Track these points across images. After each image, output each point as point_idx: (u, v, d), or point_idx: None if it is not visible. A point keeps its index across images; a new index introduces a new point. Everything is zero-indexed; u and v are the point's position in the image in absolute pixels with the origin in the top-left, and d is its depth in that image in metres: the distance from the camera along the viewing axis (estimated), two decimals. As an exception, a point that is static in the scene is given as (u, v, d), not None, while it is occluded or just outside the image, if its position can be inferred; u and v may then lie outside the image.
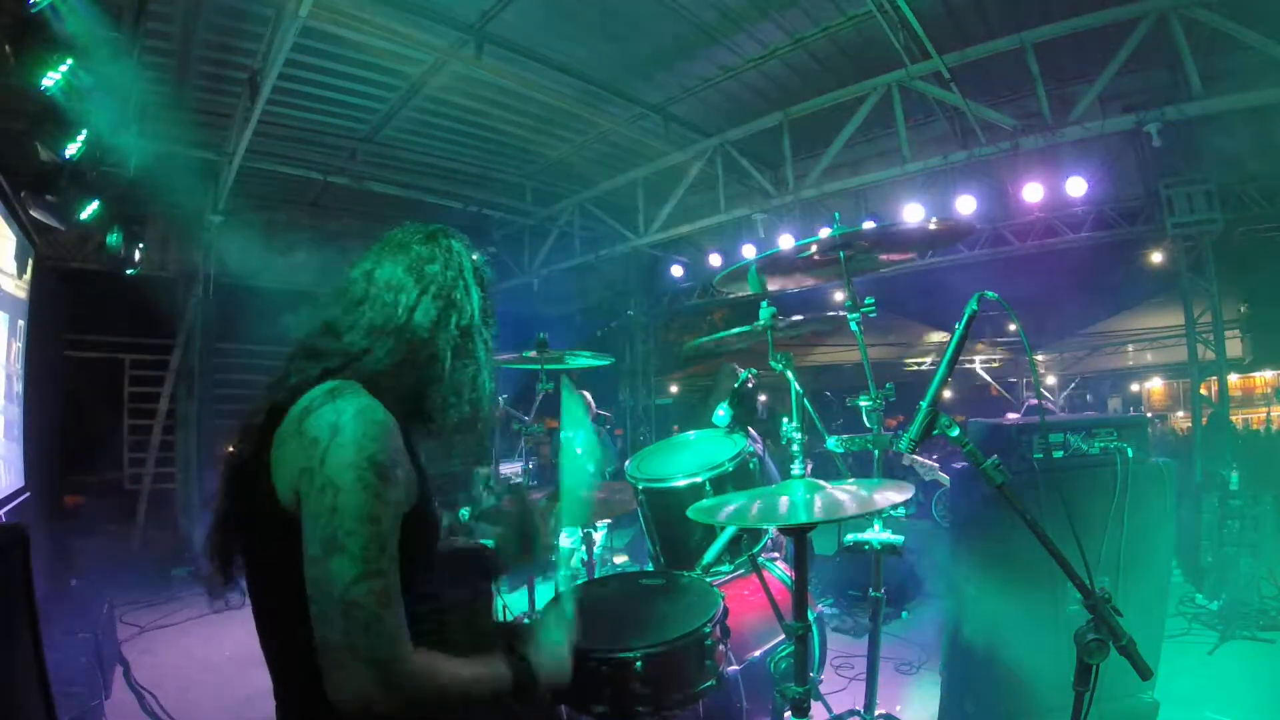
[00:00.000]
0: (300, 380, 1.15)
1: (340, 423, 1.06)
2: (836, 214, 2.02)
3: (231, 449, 1.21)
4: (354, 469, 1.03)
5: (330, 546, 1.00)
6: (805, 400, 1.99)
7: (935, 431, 1.45)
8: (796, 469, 1.82)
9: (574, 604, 1.46)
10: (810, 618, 1.86)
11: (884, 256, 2.21)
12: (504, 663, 1.21)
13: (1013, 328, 1.50)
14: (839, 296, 2.09)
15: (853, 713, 2.36)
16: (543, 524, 1.67)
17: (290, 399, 1.12)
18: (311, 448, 1.04)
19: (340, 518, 1.01)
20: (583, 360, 3.60)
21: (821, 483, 1.68)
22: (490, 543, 1.66)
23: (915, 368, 11.82)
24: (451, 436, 1.30)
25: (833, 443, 2.14)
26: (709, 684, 1.66)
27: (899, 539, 1.96)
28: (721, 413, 2.32)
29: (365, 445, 1.05)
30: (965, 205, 6.41)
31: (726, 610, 1.81)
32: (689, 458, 2.42)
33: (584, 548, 2.93)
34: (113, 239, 5.74)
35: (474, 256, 1.35)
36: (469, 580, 1.59)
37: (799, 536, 1.62)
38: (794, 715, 1.62)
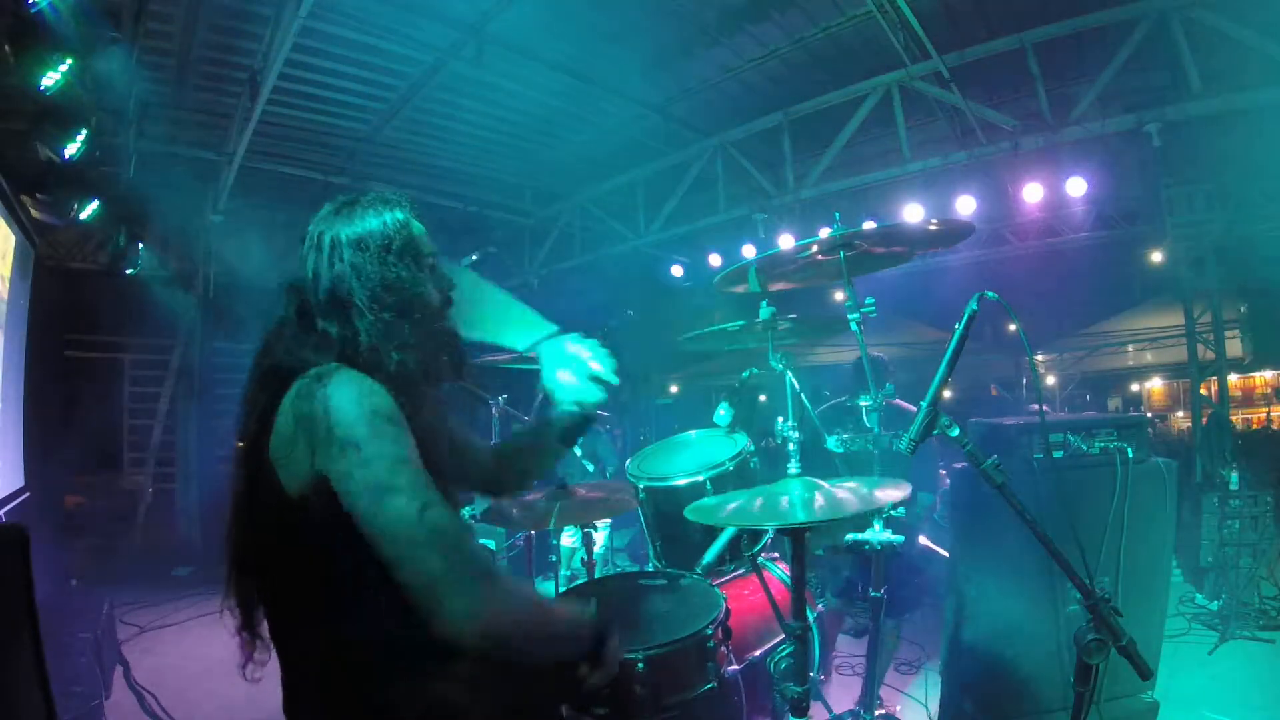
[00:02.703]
0: (278, 380, 1.12)
1: (329, 391, 1.05)
2: (837, 214, 2.02)
3: (232, 469, 1.19)
4: (363, 422, 1.03)
5: (380, 491, 0.99)
6: (804, 400, 1.99)
7: (935, 431, 1.45)
8: (793, 468, 1.82)
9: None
10: (810, 617, 1.86)
11: (885, 254, 2.19)
12: (585, 622, 1.23)
13: (1013, 328, 1.50)
14: (839, 296, 2.09)
15: (853, 713, 2.36)
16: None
17: (274, 402, 1.10)
18: (312, 425, 1.03)
19: (375, 465, 1.01)
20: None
21: (820, 481, 1.68)
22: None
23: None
24: (419, 386, 1.23)
25: (832, 442, 2.14)
26: (710, 685, 1.66)
27: (899, 539, 1.96)
28: (722, 412, 2.31)
29: (363, 400, 1.05)
30: (965, 205, 6.40)
31: (728, 611, 1.81)
32: (690, 457, 2.42)
33: (584, 548, 2.92)
34: (113, 239, 5.75)
35: (378, 221, 1.25)
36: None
37: (796, 536, 1.62)
38: (794, 715, 1.62)
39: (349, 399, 1.04)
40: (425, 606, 0.97)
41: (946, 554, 2.90)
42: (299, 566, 1.09)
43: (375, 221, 1.25)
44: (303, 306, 1.20)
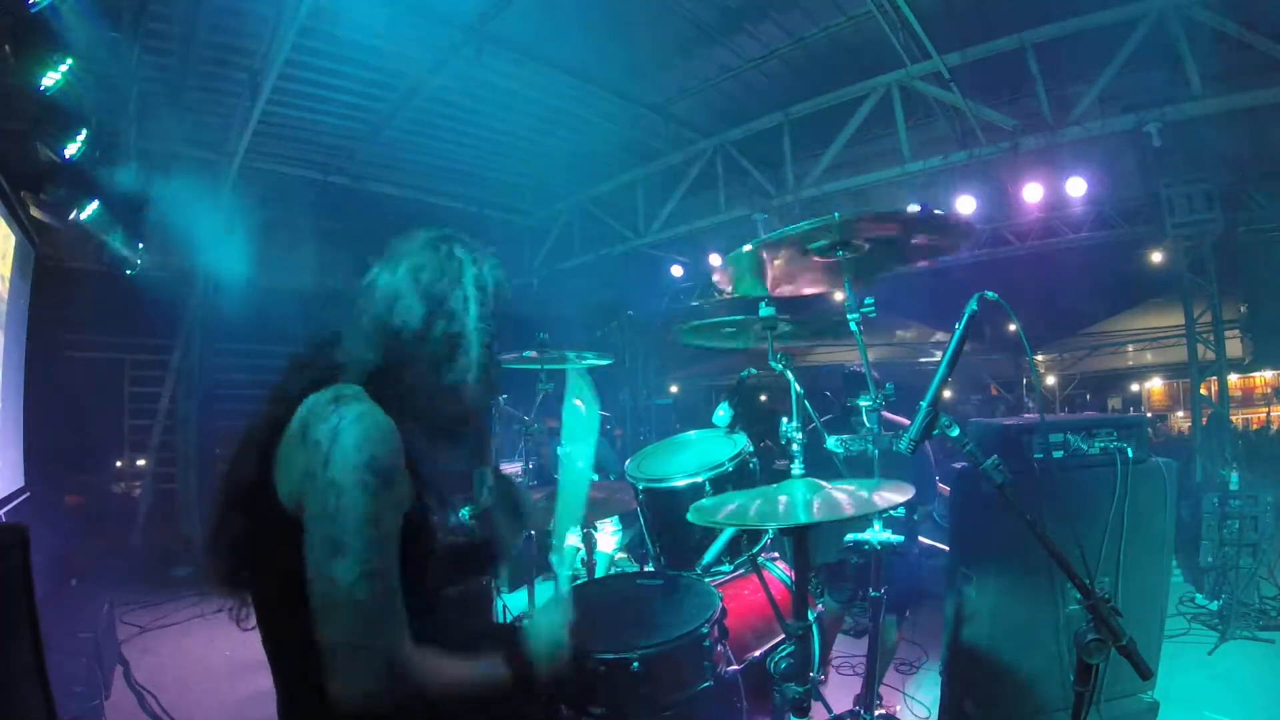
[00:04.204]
0: (301, 388, 1.16)
1: (341, 426, 1.07)
2: (836, 214, 2.01)
3: (231, 459, 1.21)
4: (355, 471, 1.04)
5: (332, 548, 1.02)
6: (805, 400, 1.99)
7: (935, 431, 1.45)
8: (796, 469, 1.82)
9: (570, 595, 1.44)
10: (810, 617, 1.86)
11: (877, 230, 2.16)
12: (502, 661, 1.22)
13: (1013, 328, 1.49)
14: (839, 297, 2.09)
15: (853, 713, 2.36)
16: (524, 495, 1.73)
17: (292, 407, 1.13)
18: (314, 451, 1.06)
19: (342, 520, 1.03)
20: (583, 360, 3.60)
21: (821, 483, 1.68)
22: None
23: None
24: (448, 438, 1.30)
25: (833, 443, 2.13)
26: (706, 685, 1.66)
27: (899, 539, 1.96)
28: (722, 412, 2.32)
29: (365, 447, 1.06)
30: (965, 205, 6.40)
31: (725, 611, 1.81)
32: (689, 458, 2.42)
33: (584, 548, 2.92)
34: (113, 239, 5.74)
35: (480, 261, 1.32)
36: (465, 579, 1.60)
37: (798, 536, 1.63)
38: (794, 715, 1.63)
39: (353, 441, 1.06)
40: (325, 664, 1.00)
41: (946, 549, 2.90)
42: (291, 574, 1.08)
43: (490, 273, 1.32)
44: (381, 333, 1.22)
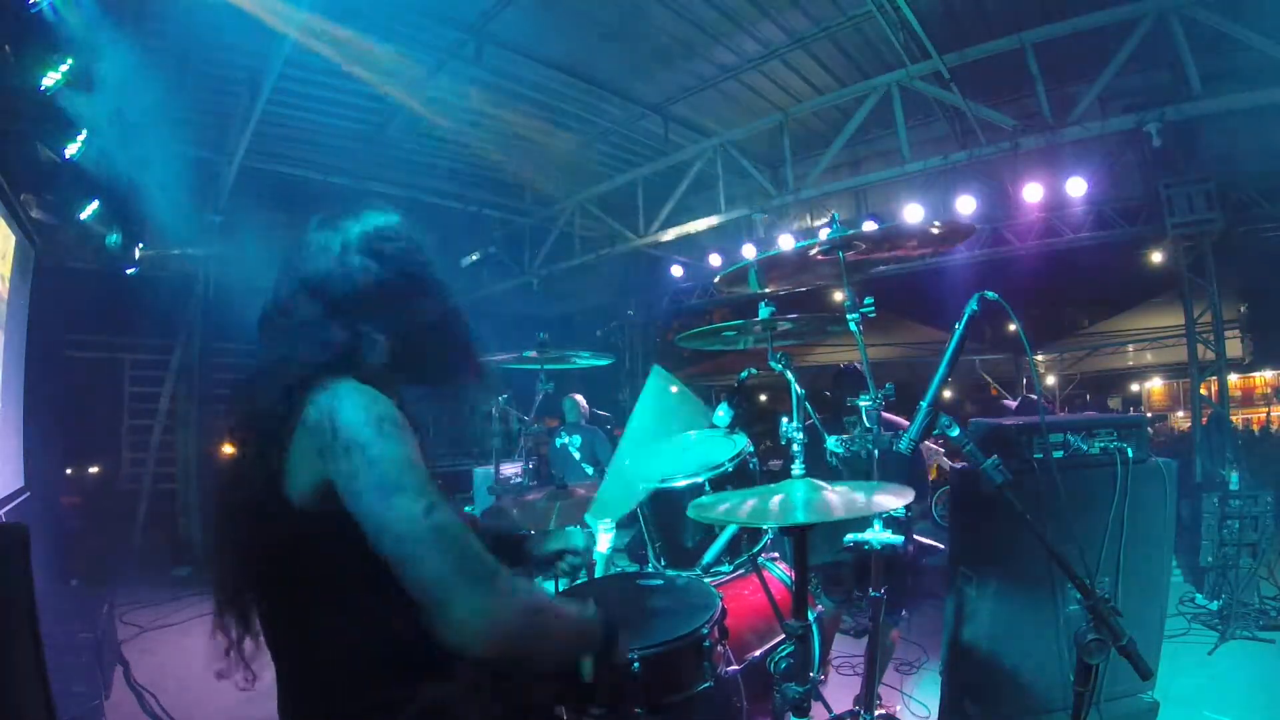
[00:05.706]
0: (284, 393, 1.11)
1: (336, 403, 1.06)
2: (835, 214, 2.02)
3: (230, 468, 1.19)
4: (369, 426, 1.03)
5: (387, 489, 0.99)
6: (805, 400, 1.99)
7: (935, 431, 1.45)
8: (796, 469, 1.82)
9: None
10: (810, 617, 1.86)
11: (885, 255, 2.20)
12: (596, 613, 1.22)
13: (1013, 328, 1.50)
14: (838, 297, 2.09)
15: (852, 713, 2.36)
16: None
17: (290, 409, 1.09)
18: (317, 430, 1.05)
19: (383, 464, 1.01)
20: (583, 360, 3.60)
21: (821, 484, 1.68)
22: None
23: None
24: (456, 388, 1.32)
25: (833, 443, 2.13)
26: (706, 685, 1.66)
27: (899, 539, 1.96)
28: (722, 413, 2.31)
29: (370, 407, 1.06)
30: (965, 205, 6.41)
31: (725, 611, 1.81)
32: (689, 458, 2.41)
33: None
34: (113, 239, 5.74)
35: (383, 221, 1.28)
36: None
37: (798, 536, 1.62)
38: (794, 715, 1.62)
39: (355, 405, 1.06)
40: (430, 608, 0.96)
41: (943, 547, 2.90)
42: (302, 573, 1.09)
43: (378, 229, 1.27)
44: (311, 310, 1.19)
